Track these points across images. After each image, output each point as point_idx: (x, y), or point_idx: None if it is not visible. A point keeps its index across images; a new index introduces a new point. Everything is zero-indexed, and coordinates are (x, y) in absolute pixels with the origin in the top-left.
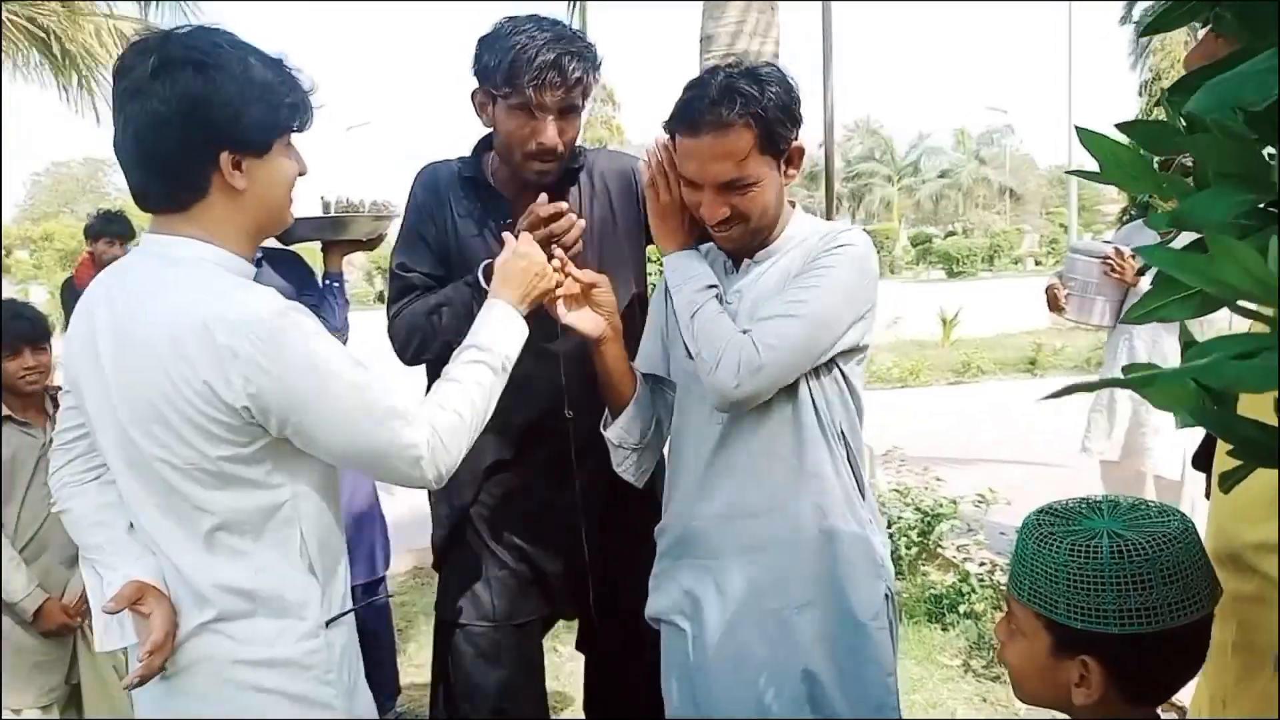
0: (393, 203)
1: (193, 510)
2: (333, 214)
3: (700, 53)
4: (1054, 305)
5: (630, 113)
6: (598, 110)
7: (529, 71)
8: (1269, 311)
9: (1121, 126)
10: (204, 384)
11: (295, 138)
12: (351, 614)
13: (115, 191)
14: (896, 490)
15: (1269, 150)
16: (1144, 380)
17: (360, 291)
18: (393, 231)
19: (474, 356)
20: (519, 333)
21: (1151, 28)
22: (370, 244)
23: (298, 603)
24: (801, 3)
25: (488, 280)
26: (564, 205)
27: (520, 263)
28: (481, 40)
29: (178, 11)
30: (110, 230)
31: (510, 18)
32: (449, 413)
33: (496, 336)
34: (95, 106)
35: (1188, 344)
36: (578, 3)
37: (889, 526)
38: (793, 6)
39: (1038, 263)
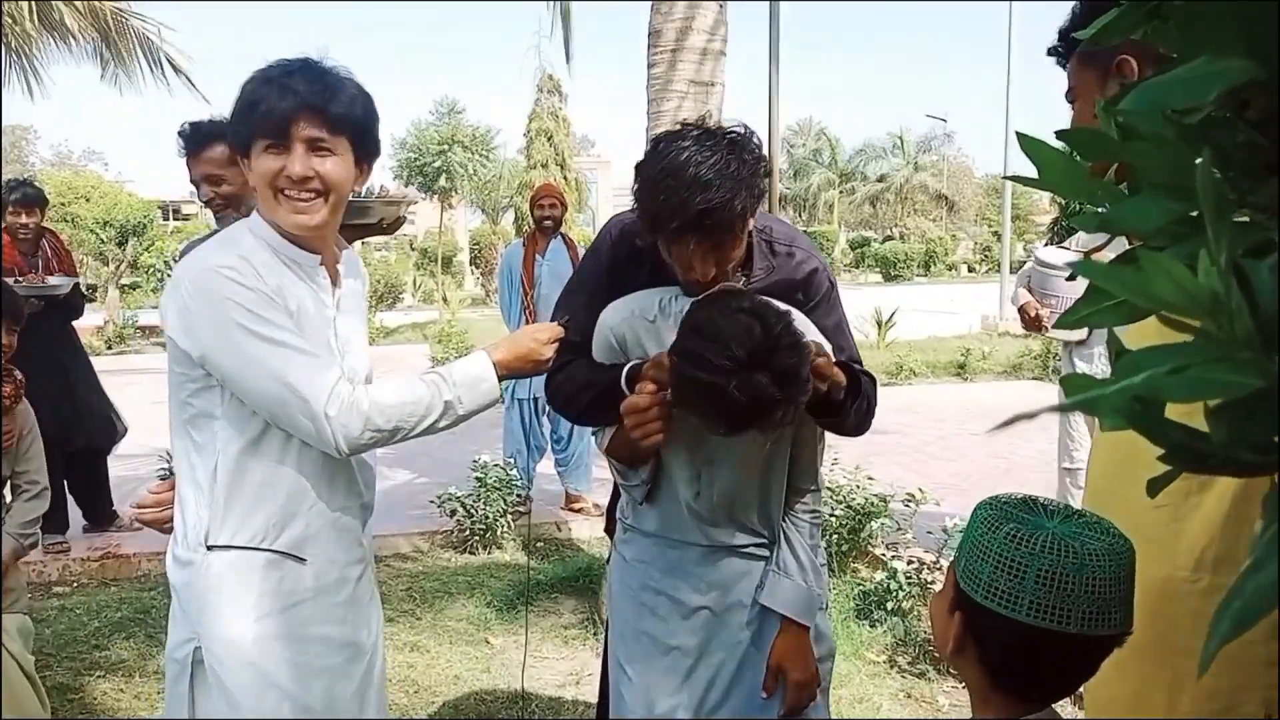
0: (412, 190)
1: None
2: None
3: (648, 47)
4: (1033, 324)
5: (576, 104)
6: (544, 101)
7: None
8: (1194, 322)
9: (1060, 134)
10: (170, 319)
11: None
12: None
13: (39, 161)
14: (829, 489)
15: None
16: (1088, 400)
17: None
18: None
19: (430, 379)
20: (486, 390)
21: (1093, 41)
22: (388, 228)
23: (194, 518)
24: (750, 1)
25: (630, 385)
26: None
27: (529, 343)
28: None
29: None
30: (16, 199)
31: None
32: (369, 397)
33: (462, 378)
34: (25, 76)
35: (1119, 353)
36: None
37: None
38: (741, 4)
39: (971, 269)
